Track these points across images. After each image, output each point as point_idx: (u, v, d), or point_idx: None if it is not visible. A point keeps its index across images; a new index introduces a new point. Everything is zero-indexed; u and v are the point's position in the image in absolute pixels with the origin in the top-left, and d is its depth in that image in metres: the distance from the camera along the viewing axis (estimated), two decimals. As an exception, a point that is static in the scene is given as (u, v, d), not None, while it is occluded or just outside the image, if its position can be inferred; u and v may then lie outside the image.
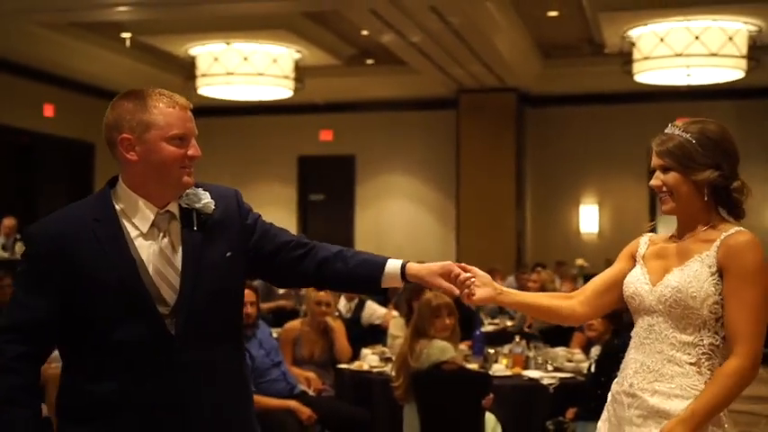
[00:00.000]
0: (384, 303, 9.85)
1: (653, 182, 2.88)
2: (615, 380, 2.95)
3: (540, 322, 7.99)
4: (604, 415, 2.95)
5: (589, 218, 17.44)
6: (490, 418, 5.31)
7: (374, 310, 8.80)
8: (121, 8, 11.80)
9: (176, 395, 2.53)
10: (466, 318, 7.17)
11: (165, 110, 2.57)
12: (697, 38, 13.34)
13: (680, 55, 13.45)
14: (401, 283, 2.78)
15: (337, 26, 14.01)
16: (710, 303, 2.71)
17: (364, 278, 2.77)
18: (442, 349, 5.31)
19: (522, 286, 10.44)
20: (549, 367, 6.03)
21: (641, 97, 16.31)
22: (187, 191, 2.65)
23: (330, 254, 2.77)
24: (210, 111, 17.28)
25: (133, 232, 2.59)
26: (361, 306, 8.74)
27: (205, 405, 2.59)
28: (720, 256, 2.72)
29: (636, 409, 2.79)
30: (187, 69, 15.20)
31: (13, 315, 2.54)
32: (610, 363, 5.38)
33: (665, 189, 2.85)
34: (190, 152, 2.59)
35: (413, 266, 2.76)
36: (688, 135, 2.80)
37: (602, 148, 17.19)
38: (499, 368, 5.94)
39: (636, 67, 14.05)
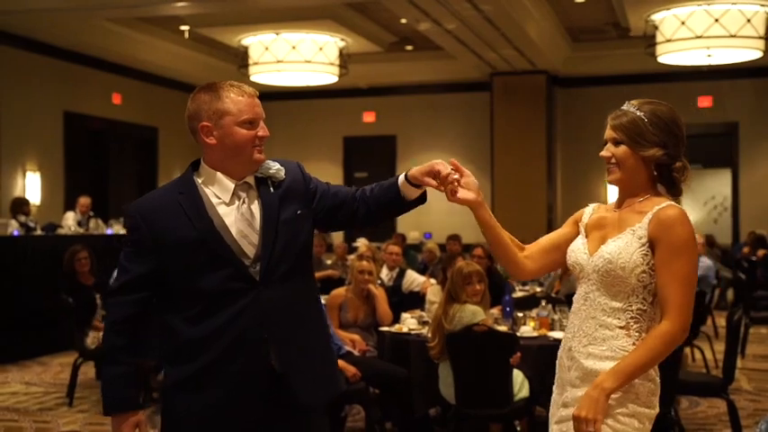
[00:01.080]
0: (422, 272, 9.97)
1: (603, 153, 2.90)
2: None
3: (567, 288, 8.10)
4: (556, 377, 2.99)
5: (616, 191, 17.36)
6: (518, 375, 5.38)
7: (414, 279, 8.86)
8: (181, 3, 11.95)
9: (261, 329, 2.82)
10: (497, 285, 7.25)
11: (235, 98, 2.86)
12: (717, 20, 13.19)
13: (700, 37, 13.30)
14: (412, 187, 2.95)
15: (378, 15, 14.02)
16: (638, 273, 2.74)
17: (391, 200, 3.00)
18: (473, 312, 5.41)
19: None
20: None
21: (664, 77, 16.16)
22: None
23: (365, 195, 3.02)
24: (262, 96, 17.32)
25: (215, 201, 2.88)
26: (401, 274, 8.82)
27: (286, 336, 2.87)
28: (651, 228, 2.75)
29: (575, 371, 2.83)
30: (240, 58, 15.28)
31: (119, 279, 2.89)
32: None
33: (613, 161, 2.89)
34: (260, 133, 2.87)
35: (411, 171, 2.94)
36: (641, 113, 2.82)
37: (628, 126, 17.13)
38: (526, 330, 5.99)
39: (659, 49, 13.90)
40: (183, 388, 2.84)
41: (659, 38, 13.85)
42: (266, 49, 14.78)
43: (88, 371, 8.39)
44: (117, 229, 12.03)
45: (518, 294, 8.25)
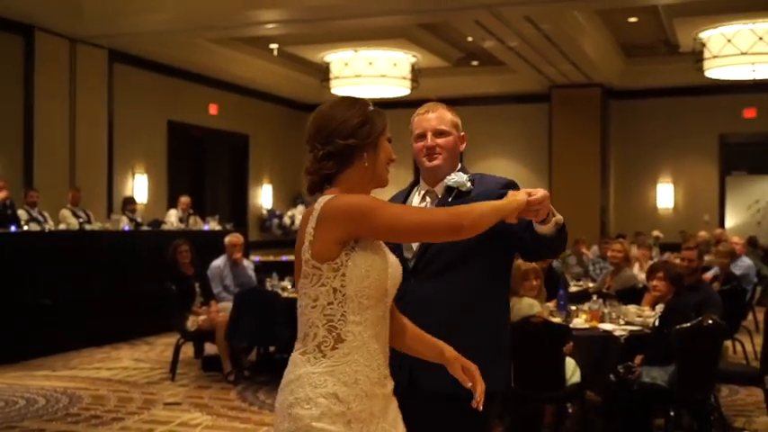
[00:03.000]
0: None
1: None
2: None
3: (619, 284, 8.04)
4: None
5: (665, 195, 17.14)
6: (570, 363, 5.39)
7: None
8: (270, 25, 12.13)
9: (411, 316, 2.62)
10: (554, 281, 7.24)
11: (414, 118, 3.09)
12: (760, 38, 13.01)
13: (745, 53, 13.15)
14: (541, 226, 2.73)
15: (447, 34, 14.07)
16: None
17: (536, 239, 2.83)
18: (530, 305, 5.45)
19: (603, 253, 10.46)
20: (621, 321, 6.00)
21: (711, 90, 15.92)
22: (453, 172, 3.00)
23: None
24: (342, 107, 17.62)
25: (415, 201, 3.06)
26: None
27: (429, 323, 2.66)
28: None
29: None
30: (323, 73, 15.41)
31: None
32: (671, 318, 5.48)
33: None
34: (427, 144, 3.00)
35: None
36: None
37: (677, 134, 16.86)
38: (579, 322, 5.98)
39: (706, 64, 13.76)
40: None
41: (707, 54, 13.72)
42: (346, 64, 14.94)
43: (188, 350, 8.52)
44: (213, 225, 12.25)
45: (572, 289, 8.22)
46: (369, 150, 2.37)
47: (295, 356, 2.30)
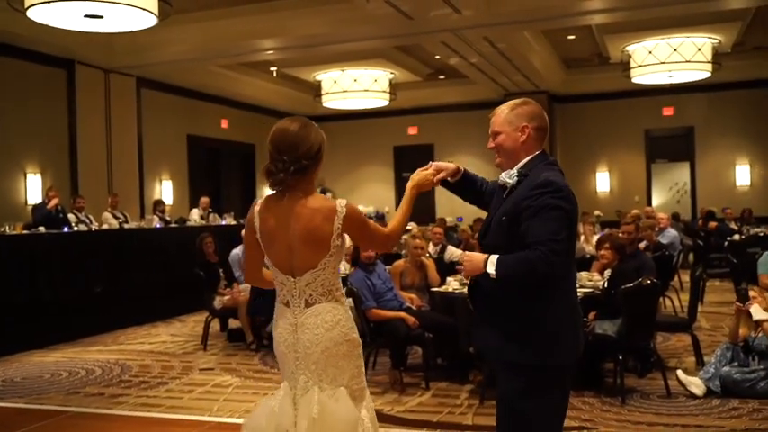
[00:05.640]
0: (458, 246, 9.99)
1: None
2: None
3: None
4: None
5: (603, 181, 17.28)
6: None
7: (452, 251, 8.82)
8: (270, 51, 12.11)
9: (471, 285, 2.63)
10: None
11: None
12: (675, 50, 13.17)
13: (663, 63, 13.31)
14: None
15: (418, 54, 14.10)
16: None
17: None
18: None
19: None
20: (576, 285, 5.98)
21: (637, 94, 16.07)
22: (506, 171, 2.63)
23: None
24: (333, 118, 17.63)
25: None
26: (443, 249, 8.78)
27: (481, 295, 2.60)
28: None
29: None
30: (315, 90, 15.42)
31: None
32: (617, 280, 5.56)
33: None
34: (490, 146, 2.70)
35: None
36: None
37: (610, 131, 16.99)
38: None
39: (632, 72, 13.90)
40: None
41: (632, 64, 13.85)
42: (335, 82, 14.96)
43: (215, 325, 8.48)
44: (229, 220, 12.20)
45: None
46: (318, 165, 2.62)
47: (327, 305, 2.60)
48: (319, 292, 2.58)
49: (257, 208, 2.65)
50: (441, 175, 2.83)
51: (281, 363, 2.68)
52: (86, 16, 7.99)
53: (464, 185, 2.90)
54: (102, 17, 8.01)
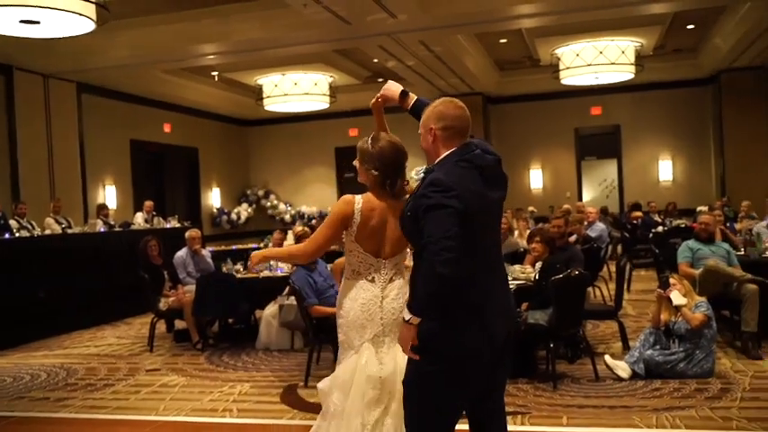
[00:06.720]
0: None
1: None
2: None
3: (506, 249, 8.24)
4: None
5: (536, 178, 17.54)
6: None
7: None
8: (211, 56, 11.97)
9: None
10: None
11: None
12: (601, 53, 13.46)
13: (590, 65, 13.56)
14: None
15: (357, 57, 14.07)
16: None
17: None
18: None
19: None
20: (510, 278, 6.09)
21: (566, 94, 16.36)
22: (416, 168, 2.85)
23: None
24: (274, 120, 17.55)
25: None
26: None
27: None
28: None
29: None
30: (257, 93, 15.29)
31: None
32: (548, 272, 5.68)
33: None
34: None
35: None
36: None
37: (542, 130, 17.24)
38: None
39: (562, 74, 14.11)
40: None
41: (561, 66, 14.05)
42: (275, 85, 14.85)
43: (162, 326, 8.41)
44: (173, 223, 12.04)
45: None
46: None
47: (401, 281, 3.06)
48: (395, 272, 3.06)
49: (358, 206, 3.04)
50: (375, 101, 3.26)
51: (358, 330, 3.00)
52: (22, 22, 7.78)
53: (417, 114, 2.89)
54: (38, 23, 7.81)
